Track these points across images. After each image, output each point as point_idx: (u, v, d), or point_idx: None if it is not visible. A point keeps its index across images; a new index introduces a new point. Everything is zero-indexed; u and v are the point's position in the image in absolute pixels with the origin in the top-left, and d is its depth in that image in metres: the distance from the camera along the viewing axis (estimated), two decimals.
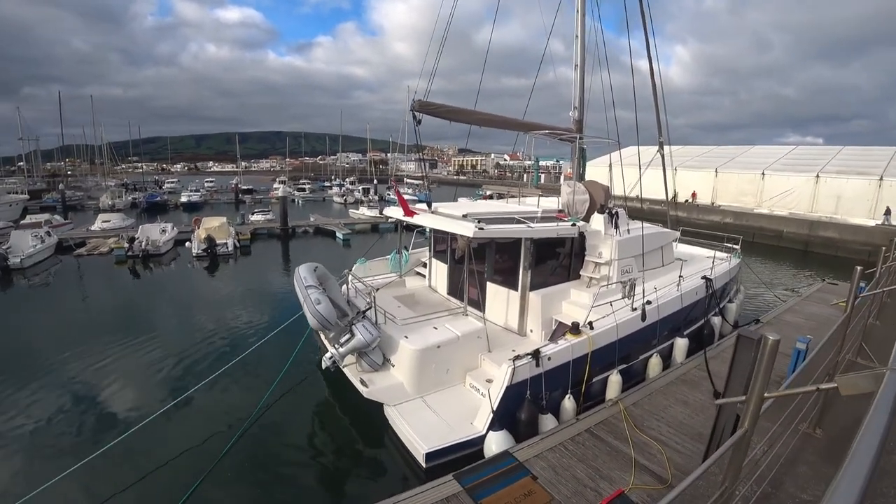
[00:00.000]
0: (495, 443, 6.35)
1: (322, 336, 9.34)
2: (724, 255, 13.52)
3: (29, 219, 29.62)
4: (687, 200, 36.64)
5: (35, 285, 19.10)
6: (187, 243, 23.46)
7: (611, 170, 11.04)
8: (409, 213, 9.19)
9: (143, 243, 22.74)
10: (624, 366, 8.28)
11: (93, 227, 28.89)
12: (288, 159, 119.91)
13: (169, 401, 8.73)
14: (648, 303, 8.72)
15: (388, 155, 59.75)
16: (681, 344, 9.49)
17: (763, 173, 34.37)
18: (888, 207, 27.87)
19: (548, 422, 6.81)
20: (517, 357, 6.72)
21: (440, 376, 7.77)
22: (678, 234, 13.81)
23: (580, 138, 11.06)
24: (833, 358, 3.42)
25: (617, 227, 9.72)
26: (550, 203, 10.92)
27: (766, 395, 2.38)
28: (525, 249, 8.56)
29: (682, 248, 15.16)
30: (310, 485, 7.06)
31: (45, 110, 60.17)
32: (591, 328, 7.60)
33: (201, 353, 11.53)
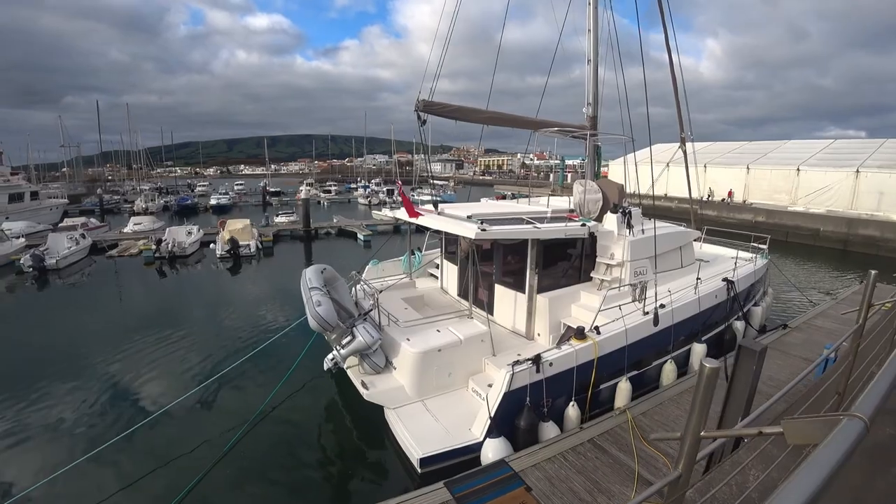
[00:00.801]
0: (492, 450, 6.17)
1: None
2: (747, 255, 12.92)
3: (66, 222, 30.88)
4: (724, 199, 35.37)
5: (68, 285, 19.95)
6: (212, 245, 24.03)
7: (626, 167, 10.67)
8: (413, 214, 9.07)
9: (170, 245, 23.42)
10: (635, 372, 7.95)
11: (125, 230, 29.92)
12: (316, 162, 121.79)
13: (177, 397, 8.93)
14: (662, 306, 8.36)
15: (414, 157, 59.89)
16: (698, 350, 9.06)
17: (798, 169, 32.87)
18: None
19: (549, 430, 6.58)
20: (517, 362, 6.52)
21: (442, 380, 7.63)
22: (699, 233, 13.26)
23: (593, 135, 10.73)
24: (840, 376, 3.10)
25: (630, 226, 9.35)
26: (563, 203, 10.63)
27: (703, 434, 2.12)
28: (532, 251, 8.32)
29: (707, 249, 14.57)
30: (307, 485, 7.09)
31: (86, 118, 62.92)
32: (598, 333, 7.31)
33: (212, 351, 11.78)
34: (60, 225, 30.10)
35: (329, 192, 59.40)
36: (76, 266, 22.67)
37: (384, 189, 51.53)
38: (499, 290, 9.31)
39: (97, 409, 9.15)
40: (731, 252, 13.36)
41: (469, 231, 7.54)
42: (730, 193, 35.62)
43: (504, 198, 11.38)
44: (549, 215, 9.10)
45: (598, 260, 9.30)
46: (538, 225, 8.29)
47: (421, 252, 12.74)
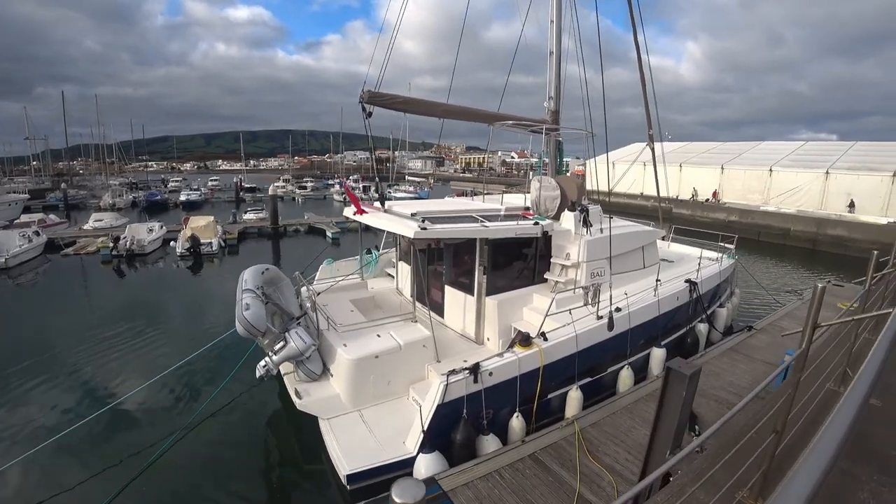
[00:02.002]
0: (425, 466, 5.69)
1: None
2: (713, 254, 12.64)
3: (23, 218, 29.56)
4: (708, 199, 35.40)
5: (16, 285, 18.90)
6: (171, 242, 23.12)
7: (588, 165, 10.27)
8: (360, 210, 8.53)
9: (129, 243, 22.45)
10: (588, 380, 7.54)
11: (85, 227, 28.75)
12: (297, 157, 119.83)
13: (104, 406, 8.49)
14: (618, 310, 7.97)
15: (393, 153, 59.12)
16: (658, 355, 8.69)
17: (771, 170, 33.12)
18: (852, 200, 28.60)
19: (489, 444, 6.12)
20: (452, 371, 6.03)
21: (380, 388, 7.11)
22: (663, 232, 12.95)
23: (553, 130, 10.28)
24: (780, 411, 2.69)
25: (588, 225, 8.93)
26: (520, 200, 10.17)
27: None
28: (480, 250, 7.84)
29: (676, 249, 14.31)
30: (233, 498, 6.64)
31: (57, 109, 60.57)
32: (545, 339, 6.86)
33: (149, 356, 11.23)
34: (16, 221, 28.78)
35: (304, 188, 58.31)
36: (28, 265, 21.59)
37: (360, 185, 50.73)
38: (449, 291, 8.82)
39: (16, 419, 8.53)
40: (699, 252, 13.10)
41: (409, 230, 7.03)
42: (714, 194, 35.64)
43: (464, 194, 10.93)
44: (502, 213, 8.64)
45: (553, 261, 8.86)
46: (486, 223, 7.81)
47: (378, 251, 12.18)
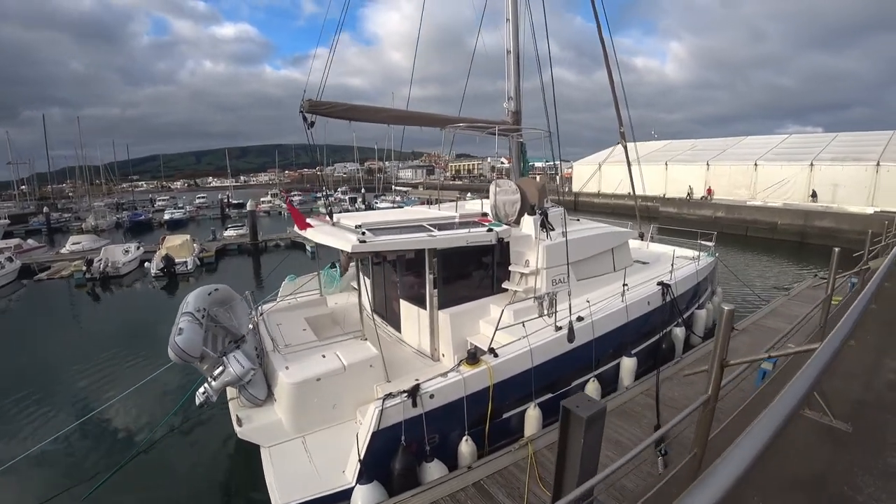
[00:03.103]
0: (362, 498, 5.24)
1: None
2: (690, 253, 12.19)
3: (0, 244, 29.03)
4: (703, 197, 35.11)
5: None
6: (146, 263, 22.62)
7: (553, 166, 9.87)
8: (303, 226, 8.08)
9: (103, 265, 21.96)
10: (549, 396, 7.08)
11: (62, 250, 28.21)
12: (287, 171, 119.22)
13: (52, 434, 8.29)
14: (580, 319, 7.52)
15: (384, 163, 58.88)
16: (628, 365, 8.20)
17: (756, 164, 32.91)
18: (814, 190, 29.64)
19: (434, 471, 5.67)
20: (389, 395, 5.57)
21: (325, 412, 6.64)
22: (635, 233, 12.52)
23: (501, 132, 9.82)
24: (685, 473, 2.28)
25: (548, 229, 8.47)
26: (477, 207, 9.74)
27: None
28: (429, 262, 7.38)
29: (655, 248, 13.84)
30: None
31: (47, 133, 60.15)
32: (495, 355, 6.40)
33: (103, 382, 10.95)
34: None
35: (292, 202, 57.81)
36: (1, 291, 21.07)
37: (348, 197, 50.30)
38: (404, 305, 8.37)
39: None
40: (681, 251, 12.65)
41: (346, 243, 6.59)
42: (709, 191, 35.34)
43: (428, 203, 10.51)
44: (456, 220, 8.20)
45: (511, 268, 8.40)
46: (435, 233, 7.37)
47: (339, 266, 11.72)
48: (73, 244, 28.62)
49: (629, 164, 14.70)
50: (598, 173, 39.83)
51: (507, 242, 8.27)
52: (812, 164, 29.80)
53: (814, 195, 29.58)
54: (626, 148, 14.17)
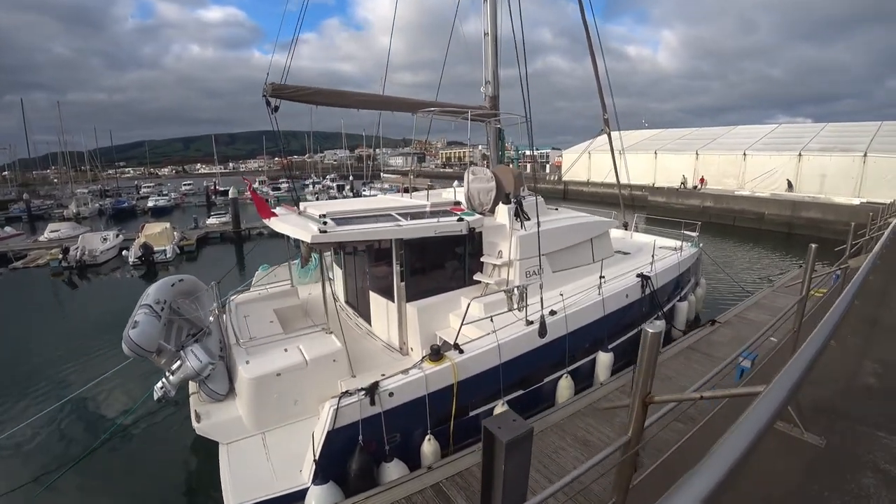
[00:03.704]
0: (316, 499, 5.03)
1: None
2: (672, 243, 11.98)
3: None
4: (696, 186, 34.90)
5: None
6: (124, 252, 22.14)
7: (530, 155, 9.58)
8: (266, 215, 7.76)
9: (80, 253, 21.46)
10: (519, 392, 6.88)
11: (41, 238, 27.58)
12: (276, 158, 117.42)
13: (18, 421, 8.24)
14: (552, 313, 7.28)
15: (374, 150, 58.11)
16: (604, 360, 7.99)
17: (744, 154, 32.79)
18: (789, 180, 30.05)
19: (393, 471, 5.46)
20: (345, 393, 5.32)
21: (286, 409, 6.41)
22: (616, 223, 12.27)
23: (474, 118, 9.50)
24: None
25: (523, 219, 8.20)
26: (451, 195, 9.44)
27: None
28: (396, 252, 7.09)
29: (640, 239, 13.61)
30: None
31: (30, 118, 58.68)
32: (461, 351, 6.16)
33: (66, 374, 10.67)
34: None
35: (279, 189, 57.05)
36: None
37: (335, 185, 49.68)
38: (374, 298, 8.09)
39: None
40: (666, 241, 12.43)
41: (306, 233, 6.29)
42: (702, 180, 35.09)
43: (406, 191, 10.22)
44: (427, 209, 7.91)
45: (484, 260, 8.13)
46: (401, 222, 7.08)
47: (317, 254, 11.40)
48: (52, 232, 27.99)
49: (613, 153, 14.45)
50: (589, 162, 39.50)
51: (480, 232, 8.00)
52: (800, 155, 29.71)
53: (789, 185, 29.83)
54: (609, 136, 13.92)
